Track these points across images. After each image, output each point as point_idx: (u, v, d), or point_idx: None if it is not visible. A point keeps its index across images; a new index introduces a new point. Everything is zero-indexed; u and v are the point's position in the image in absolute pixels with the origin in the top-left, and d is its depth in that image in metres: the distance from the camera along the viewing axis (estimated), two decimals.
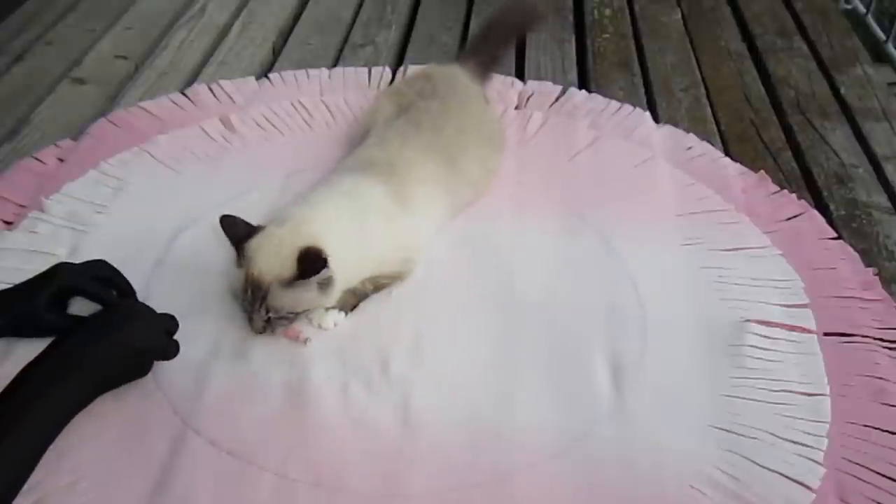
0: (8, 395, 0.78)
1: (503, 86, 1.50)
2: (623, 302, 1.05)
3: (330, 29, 1.73)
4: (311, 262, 0.91)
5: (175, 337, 0.92)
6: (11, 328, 0.93)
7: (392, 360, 0.96)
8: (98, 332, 0.86)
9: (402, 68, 1.54)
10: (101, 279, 0.97)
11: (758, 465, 0.86)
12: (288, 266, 0.91)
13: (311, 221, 0.96)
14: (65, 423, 0.82)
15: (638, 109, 1.45)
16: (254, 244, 0.93)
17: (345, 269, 0.95)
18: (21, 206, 1.16)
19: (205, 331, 0.97)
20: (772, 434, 0.89)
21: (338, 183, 1.06)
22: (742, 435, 0.89)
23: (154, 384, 0.91)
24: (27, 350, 0.90)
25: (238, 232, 0.95)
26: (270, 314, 0.93)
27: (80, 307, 0.95)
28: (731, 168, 1.32)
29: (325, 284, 0.93)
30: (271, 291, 0.91)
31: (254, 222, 1.12)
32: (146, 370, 0.91)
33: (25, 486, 0.79)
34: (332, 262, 0.91)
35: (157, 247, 1.09)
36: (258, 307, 0.92)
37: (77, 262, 1.01)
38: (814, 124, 1.47)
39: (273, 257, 0.91)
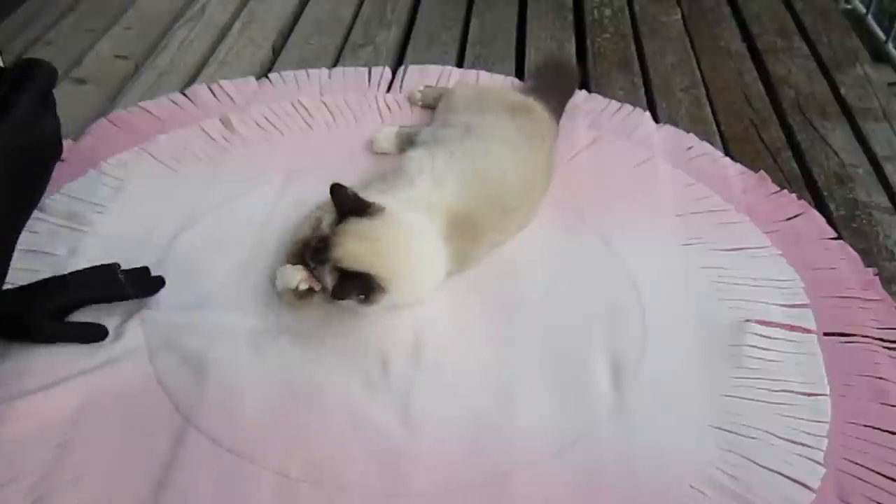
0: None
1: (503, 85, 1.51)
2: (623, 302, 1.05)
3: (330, 29, 1.73)
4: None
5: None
6: (7, 328, 0.93)
7: (392, 359, 0.96)
8: None
9: (402, 68, 1.54)
10: (111, 285, 0.97)
11: (758, 464, 0.86)
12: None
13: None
14: None
15: (638, 109, 1.45)
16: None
17: None
18: None
19: (205, 330, 0.97)
20: (772, 434, 0.90)
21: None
22: (742, 435, 0.89)
23: (156, 382, 0.91)
24: (26, 349, 0.91)
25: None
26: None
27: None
28: (731, 168, 1.32)
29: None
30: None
31: (254, 222, 1.14)
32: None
33: (29, 483, 0.80)
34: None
35: (157, 247, 1.09)
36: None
37: (77, 261, 1.02)
38: (814, 124, 1.47)
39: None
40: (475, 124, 1.17)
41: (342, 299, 0.93)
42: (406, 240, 0.99)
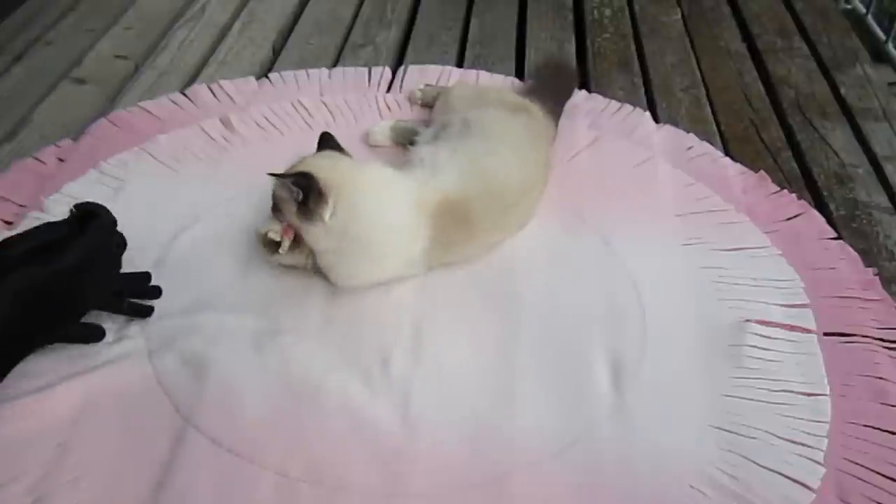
0: None
1: (502, 85, 1.51)
2: (623, 302, 1.05)
3: (330, 29, 1.73)
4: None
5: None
6: None
7: (392, 359, 0.96)
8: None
9: (402, 68, 1.54)
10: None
11: (758, 465, 0.86)
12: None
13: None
14: None
15: (638, 109, 1.45)
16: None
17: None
18: (21, 206, 1.16)
19: (205, 330, 0.97)
20: (772, 434, 0.90)
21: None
22: (742, 435, 0.89)
23: (156, 382, 0.91)
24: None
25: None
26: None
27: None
28: (731, 168, 1.32)
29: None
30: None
31: (254, 221, 1.14)
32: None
33: (28, 483, 0.80)
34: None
35: (157, 247, 1.09)
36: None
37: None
38: (814, 124, 1.47)
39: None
40: (475, 121, 1.17)
41: (279, 196, 0.98)
42: (370, 174, 1.03)
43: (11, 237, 0.89)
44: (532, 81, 1.46)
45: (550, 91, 1.35)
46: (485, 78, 1.54)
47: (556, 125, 1.30)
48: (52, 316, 0.88)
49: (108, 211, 0.95)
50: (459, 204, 1.03)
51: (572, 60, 1.64)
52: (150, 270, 1.05)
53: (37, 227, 0.91)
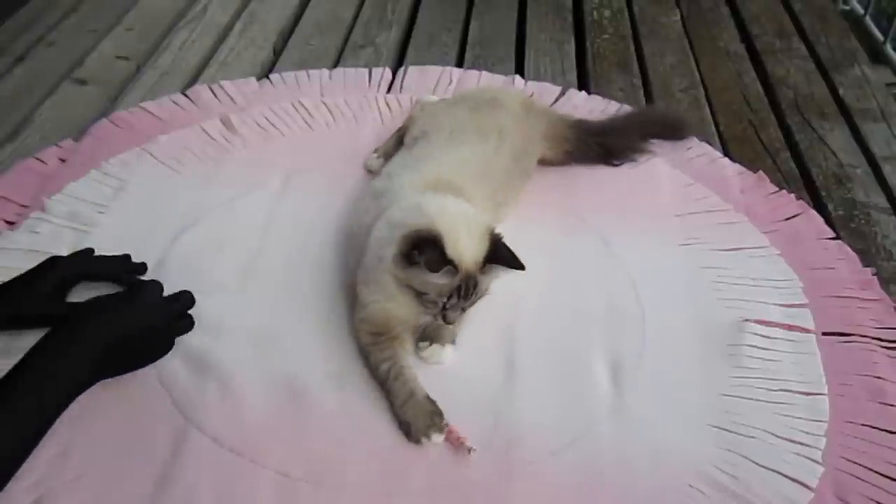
0: (12, 374, 0.79)
1: (503, 85, 1.51)
2: (623, 302, 1.06)
3: (330, 29, 1.74)
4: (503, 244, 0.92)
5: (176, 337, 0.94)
6: (12, 320, 0.94)
7: None
8: (103, 310, 0.88)
9: (402, 69, 1.55)
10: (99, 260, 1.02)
11: (756, 464, 0.87)
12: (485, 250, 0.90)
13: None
14: (66, 403, 0.82)
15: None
16: (452, 245, 0.87)
17: None
18: (23, 206, 1.17)
19: (207, 329, 0.98)
20: (770, 433, 0.90)
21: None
22: (741, 434, 0.90)
23: (157, 381, 0.92)
24: (27, 348, 0.91)
25: (436, 254, 0.86)
26: (474, 300, 0.91)
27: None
28: (730, 168, 1.32)
29: None
30: (480, 279, 0.90)
31: (255, 222, 1.14)
32: (158, 352, 0.92)
33: (30, 482, 0.80)
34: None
35: (157, 247, 1.09)
36: (471, 296, 0.90)
37: None
38: (812, 125, 1.47)
39: (475, 248, 0.89)
40: (432, 128, 1.16)
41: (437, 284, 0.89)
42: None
43: (83, 252, 0.96)
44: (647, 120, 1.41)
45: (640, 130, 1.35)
46: (486, 78, 1.54)
47: (551, 118, 1.29)
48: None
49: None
50: (452, 183, 1.01)
51: (571, 66, 1.64)
52: (150, 270, 1.06)
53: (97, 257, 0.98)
